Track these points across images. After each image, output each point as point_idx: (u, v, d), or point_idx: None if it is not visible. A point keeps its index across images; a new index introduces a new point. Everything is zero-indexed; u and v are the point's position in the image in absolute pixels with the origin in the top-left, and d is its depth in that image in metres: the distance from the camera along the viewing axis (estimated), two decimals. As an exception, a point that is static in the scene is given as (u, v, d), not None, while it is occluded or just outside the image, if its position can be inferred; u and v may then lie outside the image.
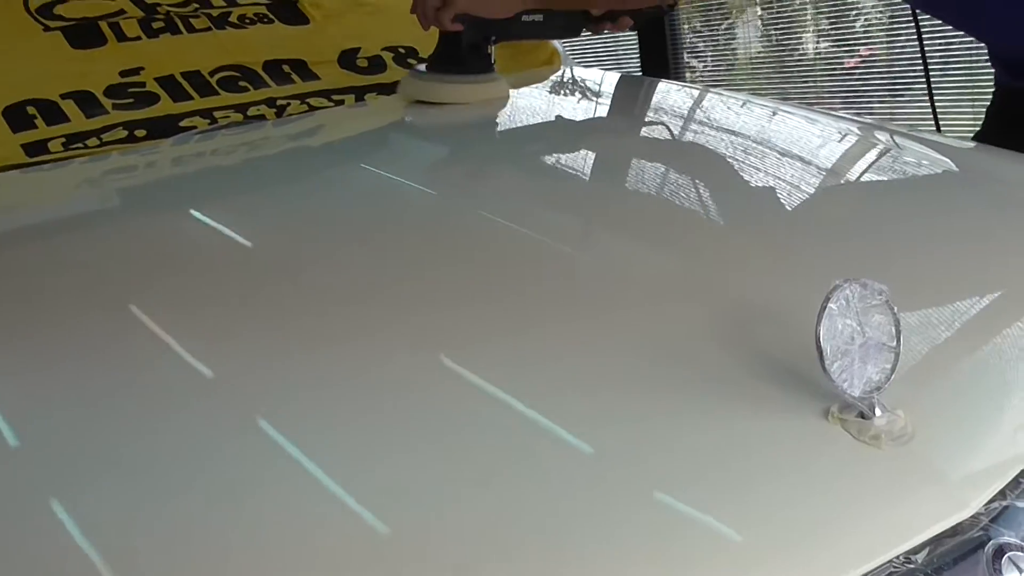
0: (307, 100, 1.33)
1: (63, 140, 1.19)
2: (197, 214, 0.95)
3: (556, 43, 1.68)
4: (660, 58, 3.72)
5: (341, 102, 1.36)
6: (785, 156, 1.07)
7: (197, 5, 1.46)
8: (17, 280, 0.78)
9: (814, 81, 3.81)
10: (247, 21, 1.46)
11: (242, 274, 0.77)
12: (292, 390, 0.57)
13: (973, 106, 3.04)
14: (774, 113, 1.35)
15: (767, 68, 3.96)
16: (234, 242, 0.88)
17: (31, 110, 1.22)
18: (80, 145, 1.19)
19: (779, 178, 0.95)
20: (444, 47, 1.27)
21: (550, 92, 1.53)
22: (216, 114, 1.27)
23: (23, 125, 1.20)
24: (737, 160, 1.04)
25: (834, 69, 3.79)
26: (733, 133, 1.20)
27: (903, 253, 0.72)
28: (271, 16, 1.48)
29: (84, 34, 1.35)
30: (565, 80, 1.62)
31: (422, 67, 1.30)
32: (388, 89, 1.41)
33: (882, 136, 1.19)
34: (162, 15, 1.42)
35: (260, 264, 0.80)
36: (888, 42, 3.56)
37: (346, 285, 0.72)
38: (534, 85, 1.56)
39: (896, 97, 3.52)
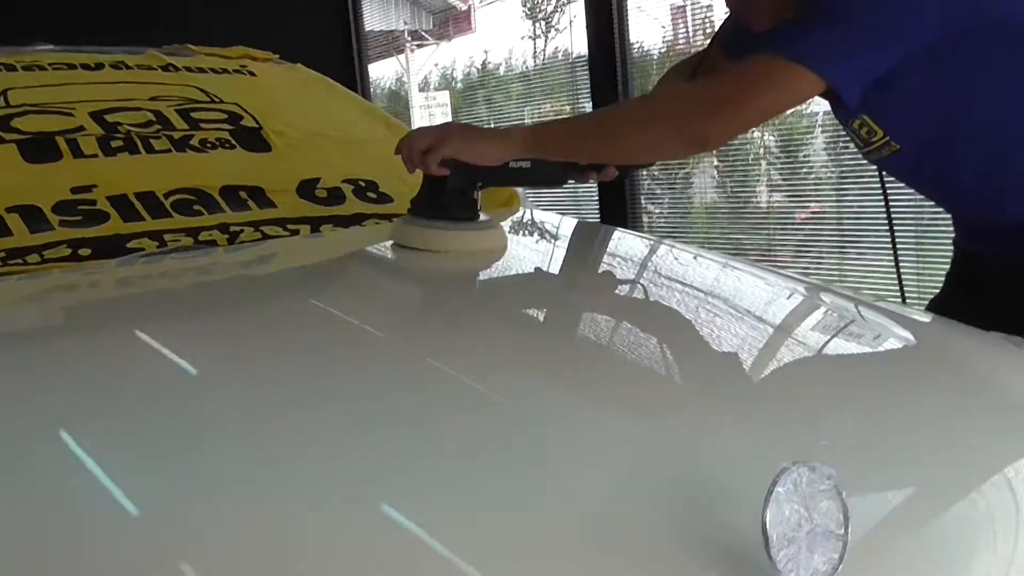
0: (261, 228, 1.32)
1: (2, 255, 1.16)
2: (136, 337, 0.92)
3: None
4: (619, 202, 3.80)
5: (296, 231, 1.34)
6: (737, 320, 1.07)
7: (160, 126, 1.46)
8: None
9: (767, 232, 3.91)
10: (208, 145, 1.46)
11: (168, 403, 0.73)
12: (219, 528, 0.53)
13: (920, 267, 3.13)
14: (724, 268, 1.37)
15: (722, 216, 4.05)
16: (171, 369, 0.84)
17: (-28, 222, 1.19)
18: (19, 261, 1.15)
19: (731, 345, 0.95)
20: (429, 191, 1.21)
21: (509, 234, 1.54)
22: (166, 237, 1.25)
23: (-38, 237, 1.16)
24: (695, 325, 1.04)
25: (786, 221, 3.90)
26: (692, 294, 1.20)
27: (853, 431, 0.71)
28: (233, 142, 1.48)
29: (39, 148, 1.34)
30: (524, 222, 1.63)
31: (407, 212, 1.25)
32: (345, 221, 1.41)
33: (838, 303, 1.20)
34: (122, 134, 1.41)
35: (188, 394, 0.77)
36: (837, 199, 3.68)
37: (272, 422, 0.69)
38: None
39: (844, 251, 3.61)
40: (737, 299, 1.21)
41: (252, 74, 1.73)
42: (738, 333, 1.00)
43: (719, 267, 1.38)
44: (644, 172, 4.02)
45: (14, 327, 1.01)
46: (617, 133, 1.22)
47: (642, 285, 1.27)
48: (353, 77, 5.39)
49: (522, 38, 4.52)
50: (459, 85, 5.85)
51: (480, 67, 5.45)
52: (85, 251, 1.19)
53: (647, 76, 3.91)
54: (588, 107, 3.92)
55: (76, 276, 1.15)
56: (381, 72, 6.46)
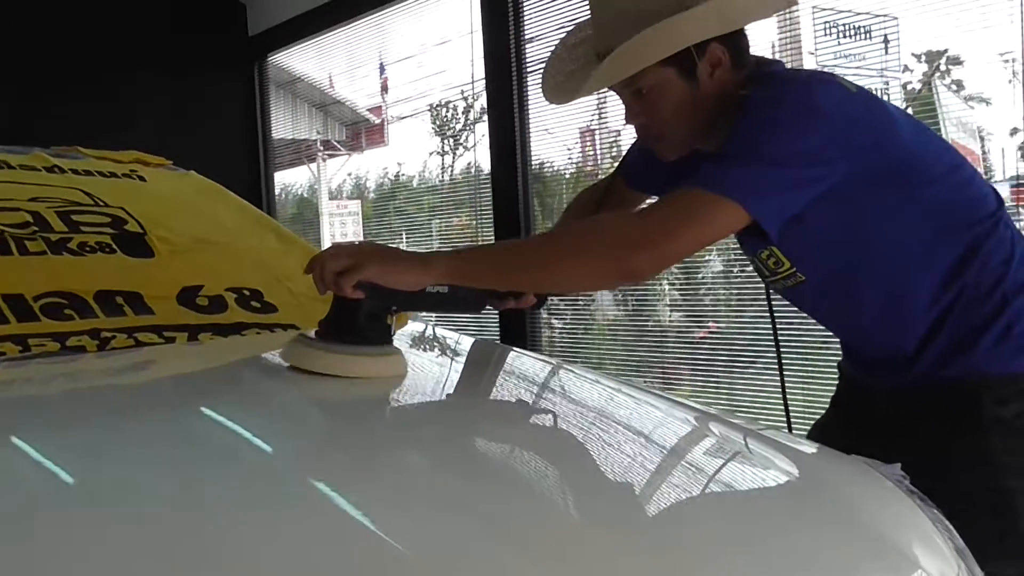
0: (135, 335, 1.28)
1: None
2: None
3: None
4: (519, 317, 3.83)
5: (172, 339, 1.31)
6: (621, 448, 1.07)
7: (36, 228, 1.42)
8: None
9: (666, 349, 3.98)
10: (87, 249, 1.42)
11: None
12: None
13: (807, 387, 3.22)
14: (616, 393, 1.36)
15: (622, 333, 4.12)
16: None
17: None
18: None
19: (616, 473, 0.95)
20: (340, 313, 1.14)
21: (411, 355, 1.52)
22: (31, 341, 1.20)
23: None
24: (582, 454, 1.03)
25: (685, 339, 3.98)
26: (583, 421, 1.20)
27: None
28: (115, 246, 1.45)
29: (-98, 246, 1.29)
30: (423, 338, 1.62)
31: (311, 333, 1.16)
32: (225, 330, 1.38)
33: (720, 430, 1.21)
34: (-5, 235, 1.37)
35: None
36: (733, 319, 3.79)
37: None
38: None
39: (739, 371, 3.70)
40: (626, 425, 1.21)
41: (142, 179, 1.72)
42: (621, 461, 1.00)
43: (611, 392, 1.38)
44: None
45: None
46: (546, 265, 1.22)
47: (536, 410, 1.26)
48: (258, 184, 5.41)
49: (430, 154, 4.62)
50: (371, 195, 5.91)
51: (393, 178, 5.52)
52: (-62, 355, 1.14)
53: (555, 195, 4.02)
54: (491, 220, 3.99)
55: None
56: (292, 179, 6.49)
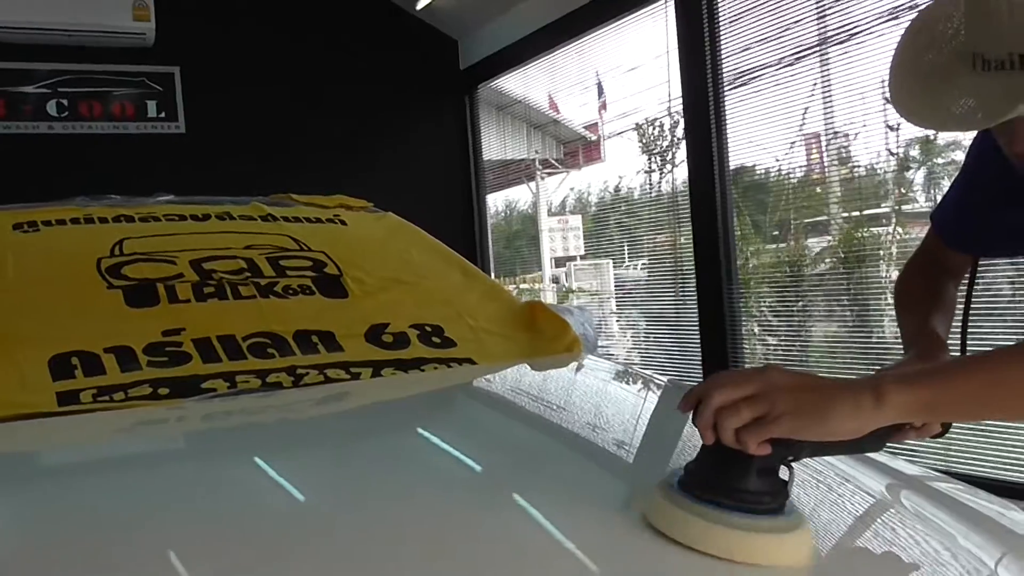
0: (325, 371, 1.42)
1: (94, 391, 1.30)
2: (215, 473, 1.02)
3: (582, 330, 1.76)
4: (720, 332, 3.78)
5: (358, 375, 1.44)
6: None
7: (249, 274, 1.61)
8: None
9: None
10: (291, 292, 1.59)
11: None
12: None
13: None
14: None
15: (841, 350, 3.96)
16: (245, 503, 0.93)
17: (74, 360, 1.35)
18: (107, 398, 1.29)
19: None
20: (722, 464, 0.82)
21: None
22: (238, 378, 1.37)
23: (64, 375, 1.32)
24: None
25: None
26: None
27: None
28: (314, 288, 1.62)
29: (141, 294, 1.50)
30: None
31: (673, 479, 0.85)
32: (406, 365, 1.49)
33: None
34: (215, 281, 1.57)
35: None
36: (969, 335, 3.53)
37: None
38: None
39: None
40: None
41: (343, 223, 1.89)
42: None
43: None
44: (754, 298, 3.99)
45: (108, 458, 1.13)
46: None
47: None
48: (470, 206, 5.71)
49: (636, 172, 4.65)
50: (593, 209, 6.02)
51: (613, 192, 5.59)
52: (164, 390, 1.33)
53: (775, 209, 3.92)
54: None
55: (163, 412, 1.27)
56: (515, 196, 6.76)
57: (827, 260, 3.96)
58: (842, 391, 0.83)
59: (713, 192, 3.78)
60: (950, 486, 1.14)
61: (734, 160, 3.81)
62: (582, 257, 6.00)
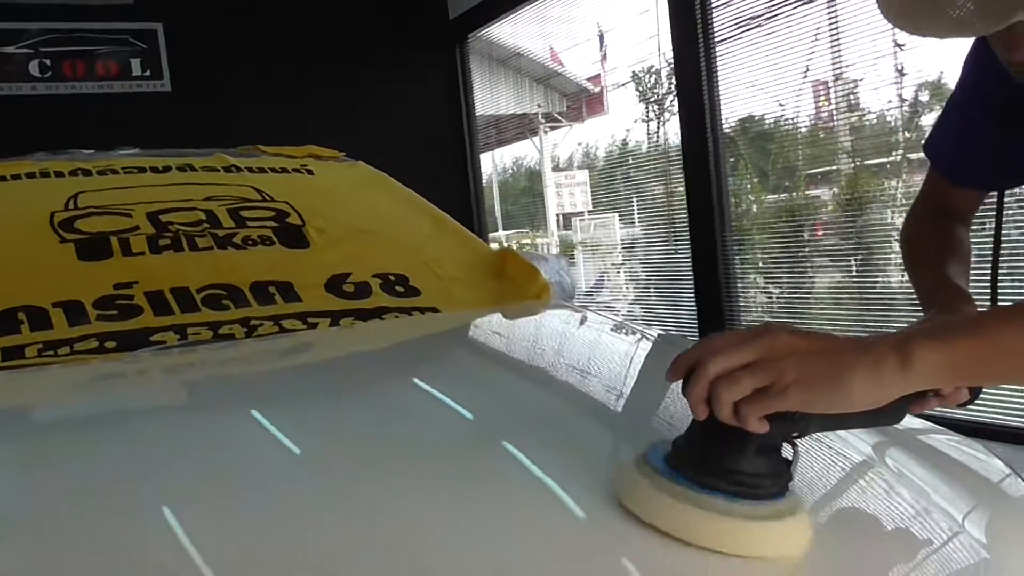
0: (280, 322, 1.39)
1: (40, 346, 1.27)
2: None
3: (552, 276, 1.72)
4: (714, 282, 3.72)
5: (315, 325, 1.40)
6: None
7: (207, 225, 1.57)
8: None
9: (895, 316, 3.71)
10: (250, 242, 1.55)
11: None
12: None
13: None
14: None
15: (846, 299, 3.89)
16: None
17: (21, 315, 1.31)
18: (52, 352, 1.26)
19: None
20: (713, 441, 0.71)
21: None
22: (189, 331, 1.33)
23: (9, 330, 1.29)
24: None
25: (917, 304, 3.70)
26: None
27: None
28: (274, 239, 1.57)
29: (94, 247, 1.46)
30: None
31: (657, 454, 0.73)
32: (366, 315, 1.45)
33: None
34: (171, 233, 1.53)
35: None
36: (973, 281, 3.46)
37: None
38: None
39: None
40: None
41: (310, 172, 1.84)
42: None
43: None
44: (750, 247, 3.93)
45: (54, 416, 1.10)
46: None
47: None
48: (464, 162, 5.62)
49: (634, 121, 4.56)
50: (600, 164, 5.93)
51: (620, 145, 5.50)
52: (111, 343, 1.29)
53: (780, 158, 3.84)
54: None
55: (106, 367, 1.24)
56: (520, 152, 6.68)
57: (829, 206, 3.89)
58: (861, 354, 0.70)
59: (705, 140, 3.70)
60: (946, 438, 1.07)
61: (741, 109, 3.72)
62: (590, 212, 5.92)
